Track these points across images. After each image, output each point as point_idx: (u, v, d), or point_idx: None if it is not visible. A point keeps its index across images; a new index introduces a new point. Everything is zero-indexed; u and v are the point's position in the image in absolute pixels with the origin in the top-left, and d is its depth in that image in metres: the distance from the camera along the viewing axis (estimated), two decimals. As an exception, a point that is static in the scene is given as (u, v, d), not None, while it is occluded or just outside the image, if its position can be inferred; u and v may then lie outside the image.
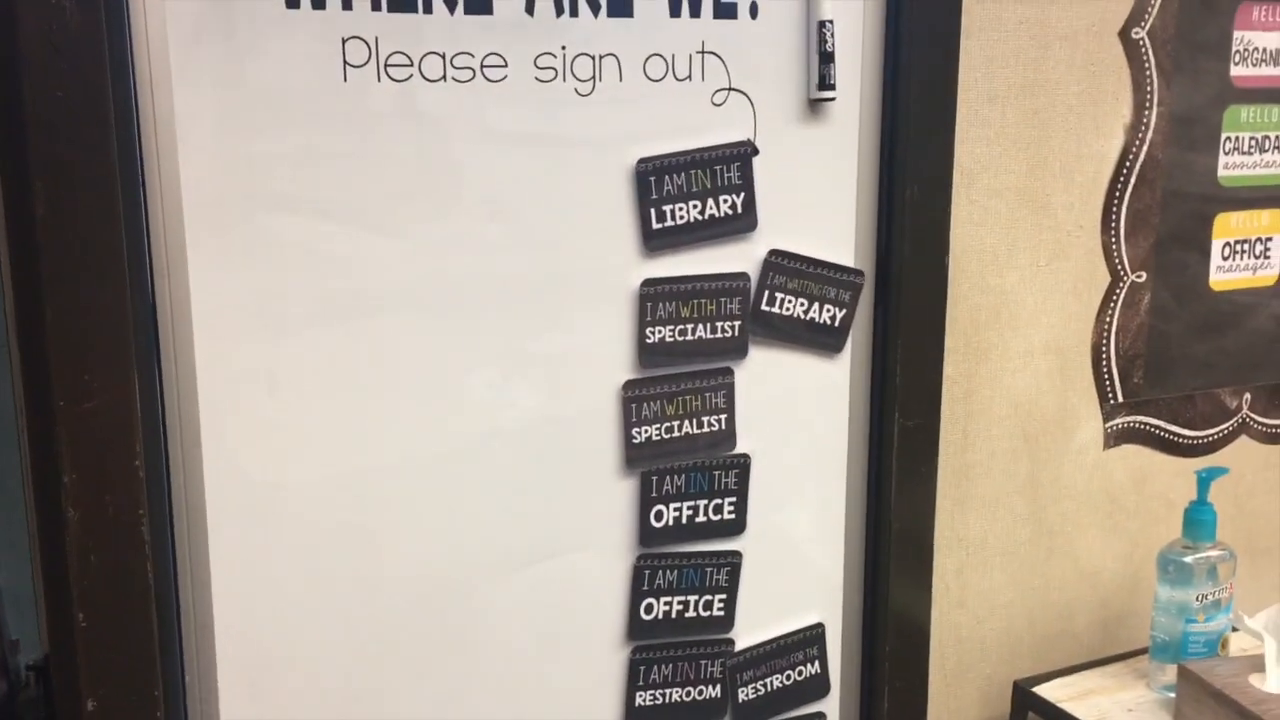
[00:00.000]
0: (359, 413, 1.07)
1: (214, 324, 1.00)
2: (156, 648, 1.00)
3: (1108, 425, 1.46)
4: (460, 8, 1.03)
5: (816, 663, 1.33)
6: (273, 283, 1.02)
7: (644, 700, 1.24)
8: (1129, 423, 1.48)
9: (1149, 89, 1.38)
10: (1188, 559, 1.32)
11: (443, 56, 1.03)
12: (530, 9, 1.06)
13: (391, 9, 1.01)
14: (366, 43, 1.01)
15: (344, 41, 1.00)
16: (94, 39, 0.90)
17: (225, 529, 1.03)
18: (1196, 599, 1.32)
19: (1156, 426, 1.50)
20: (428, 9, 1.02)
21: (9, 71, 0.89)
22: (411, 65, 1.02)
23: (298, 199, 1.01)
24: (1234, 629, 1.36)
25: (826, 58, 1.16)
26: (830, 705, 1.35)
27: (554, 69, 1.08)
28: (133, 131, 0.94)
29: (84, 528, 0.96)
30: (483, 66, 1.05)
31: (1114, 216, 1.40)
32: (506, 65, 1.06)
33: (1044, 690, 1.36)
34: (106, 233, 0.93)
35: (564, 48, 1.08)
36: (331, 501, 1.07)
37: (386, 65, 1.02)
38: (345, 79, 1.01)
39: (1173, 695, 1.30)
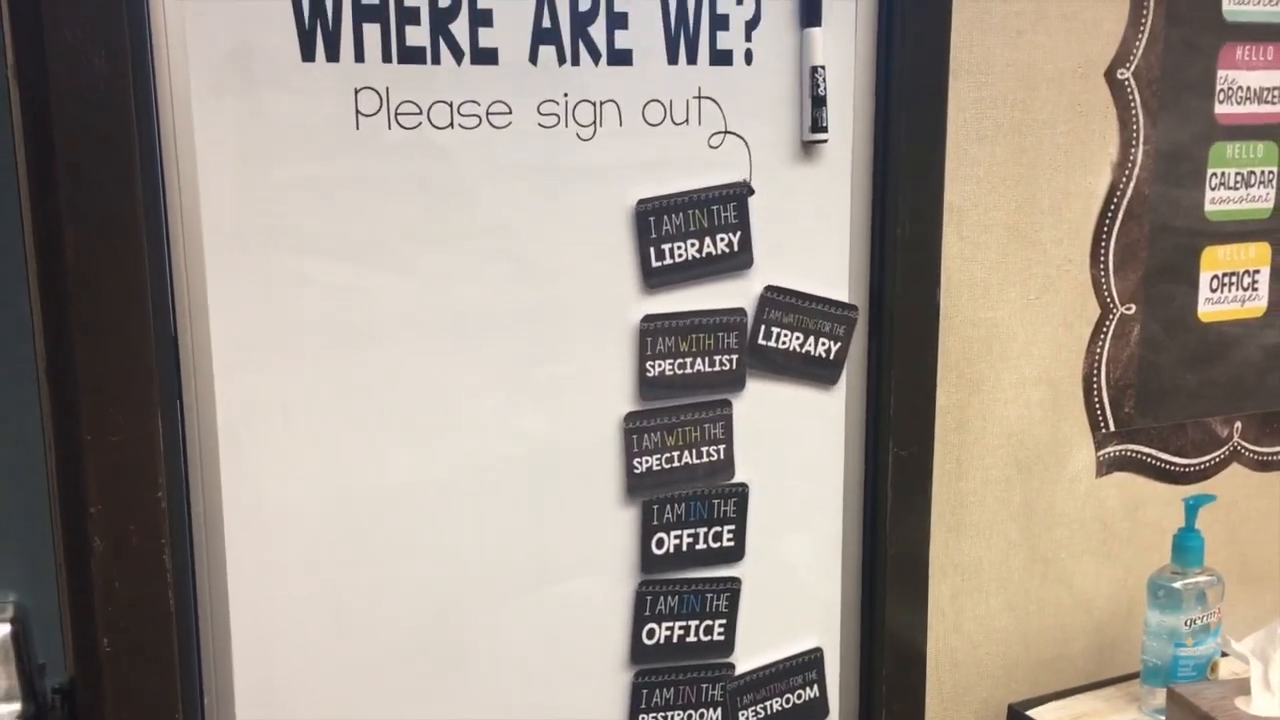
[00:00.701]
0: (371, 443, 1.11)
1: (232, 358, 1.05)
2: (177, 671, 1.04)
3: (1100, 454, 1.50)
4: (467, 58, 1.08)
5: (816, 686, 1.36)
6: (287, 319, 1.06)
7: (647, 723, 1.28)
8: (1121, 451, 1.51)
9: (1135, 127, 1.43)
10: (1177, 584, 1.36)
11: (450, 105, 1.08)
12: (534, 58, 1.11)
13: (402, 60, 1.06)
14: (378, 92, 1.06)
15: (356, 91, 1.05)
16: (121, 93, 0.95)
17: (243, 557, 1.08)
18: (1185, 623, 1.35)
19: (1148, 455, 1.53)
20: (436, 60, 1.07)
21: (42, 122, 0.95)
22: (421, 113, 1.08)
23: (312, 241, 1.06)
24: (1224, 654, 1.40)
25: (819, 101, 1.21)
26: (829, 728, 1.38)
27: (557, 115, 1.13)
28: (157, 179, 1.00)
29: (109, 556, 1.00)
30: (489, 113, 1.10)
31: (1103, 251, 1.44)
32: (511, 112, 1.11)
33: (1038, 713, 1.40)
34: (132, 273, 0.98)
35: (566, 95, 1.13)
36: (344, 530, 1.11)
37: (397, 113, 1.07)
38: (358, 126, 1.06)
39: (1164, 718, 1.33)
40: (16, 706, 1.08)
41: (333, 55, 1.04)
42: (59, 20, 0.93)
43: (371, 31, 1.04)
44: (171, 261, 1.02)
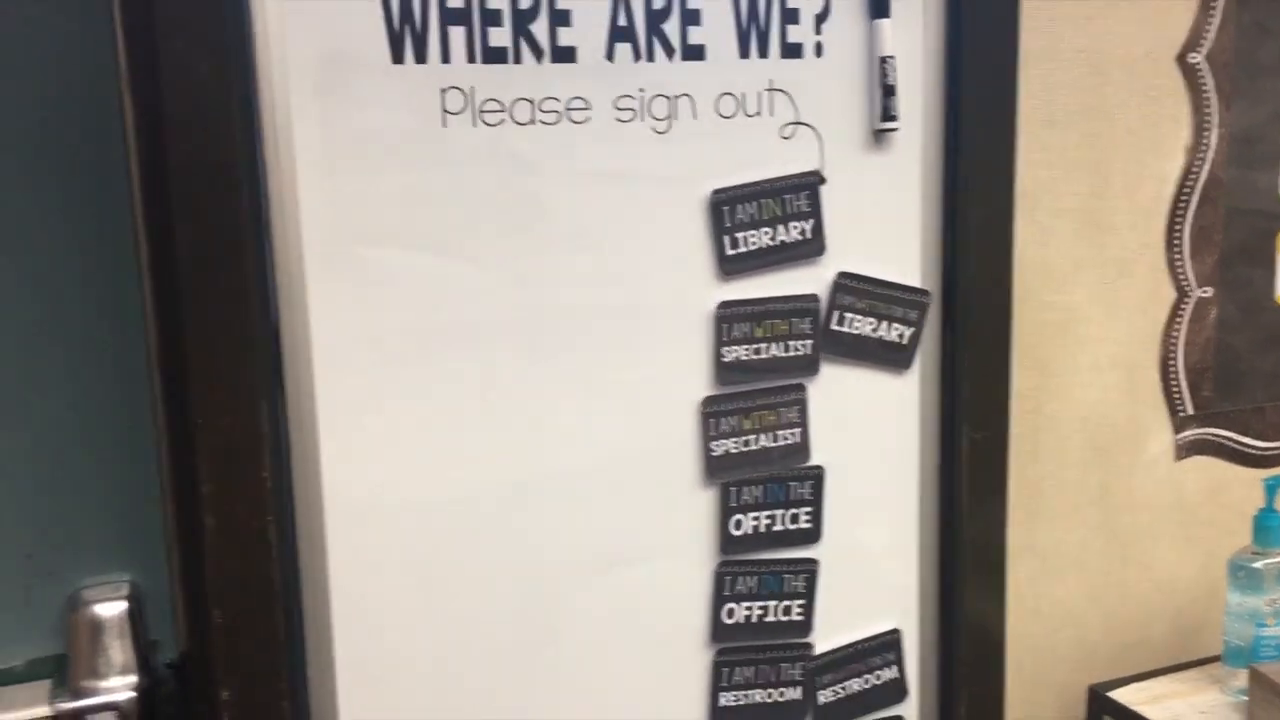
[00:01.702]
0: (461, 430, 1.16)
1: (330, 350, 1.10)
2: (283, 642, 1.09)
3: (1178, 437, 1.50)
4: (547, 57, 1.13)
5: (894, 667, 1.38)
6: (382, 313, 1.11)
7: (728, 701, 1.31)
8: (1200, 435, 1.51)
9: (1208, 111, 1.43)
10: (1257, 564, 1.36)
11: (531, 101, 1.13)
12: (610, 55, 1.15)
13: (485, 60, 1.11)
14: (463, 91, 1.11)
15: (443, 91, 1.10)
16: (226, 97, 1.01)
17: (342, 536, 1.13)
18: (1267, 603, 1.35)
19: (1228, 438, 1.53)
20: (518, 59, 1.12)
21: (153, 127, 1.01)
22: (503, 110, 1.12)
23: (403, 237, 1.11)
24: (1309, 635, 1.39)
25: (889, 91, 1.24)
26: (909, 709, 1.40)
27: (633, 109, 1.17)
28: (259, 178, 1.05)
29: (219, 534, 1.06)
30: (568, 109, 1.14)
31: (1177, 234, 1.45)
32: (589, 107, 1.15)
33: (1119, 695, 1.40)
34: (238, 268, 1.04)
35: (642, 90, 1.17)
36: (436, 513, 1.16)
37: (481, 111, 1.12)
38: (444, 125, 1.11)
39: (1246, 699, 1.33)
40: (133, 679, 1.14)
41: (421, 57, 1.09)
42: (170, 31, 0.99)
43: (457, 33, 1.09)
44: (274, 255, 1.07)
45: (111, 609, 1.15)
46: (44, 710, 1.10)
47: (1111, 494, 1.47)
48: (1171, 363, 1.47)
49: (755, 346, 1.25)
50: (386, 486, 1.14)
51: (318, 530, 1.12)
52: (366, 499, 1.13)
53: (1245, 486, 1.53)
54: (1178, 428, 1.49)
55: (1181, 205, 1.44)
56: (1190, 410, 1.49)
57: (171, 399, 1.08)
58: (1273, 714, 1.26)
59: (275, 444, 1.09)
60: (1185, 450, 1.50)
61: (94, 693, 1.12)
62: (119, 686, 1.14)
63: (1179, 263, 1.45)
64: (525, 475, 1.19)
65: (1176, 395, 1.48)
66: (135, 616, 1.16)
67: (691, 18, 1.17)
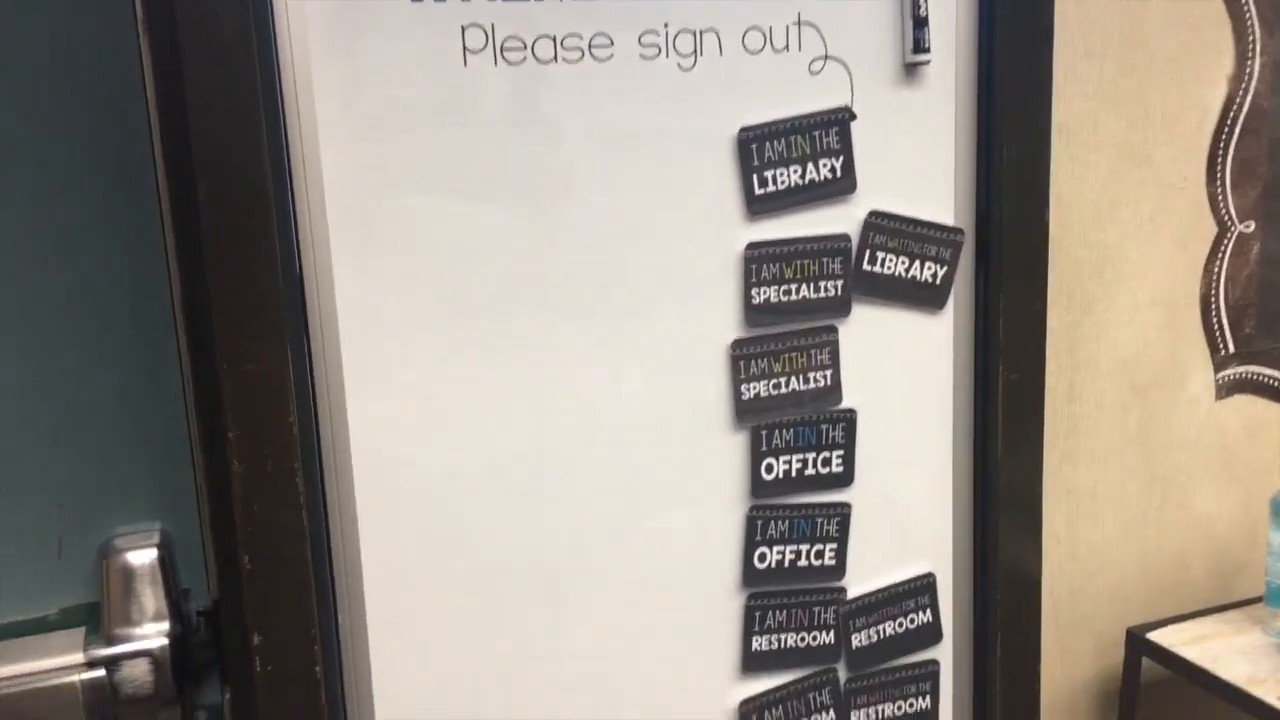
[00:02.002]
0: (488, 376, 1.15)
1: (355, 298, 1.09)
2: (313, 588, 1.09)
3: (1219, 376, 1.47)
4: (569, -8, 1.11)
5: (928, 611, 1.37)
6: (404, 259, 1.10)
7: (760, 645, 1.30)
8: (1241, 373, 1.48)
9: (1251, 39, 1.39)
10: (1300, 504, 1.33)
11: (554, 39, 1.11)
12: (634, -10, 1.12)
13: (506, -3, 1.09)
14: (484, 29, 1.08)
15: (463, 29, 1.08)
16: (245, 45, 1.00)
17: (369, 483, 1.12)
18: (1311, 543, 1.32)
19: (1270, 377, 1.50)
20: (539, -5, 1.10)
21: (174, 77, 0.99)
22: (525, 49, 1.10)
23: (425, 178, 1.09)
24: (1353, 575, 1.37)
25: (920, 22, 1.21)
26: (943, 652, 1.39)
27: (657, 46, 1.14)
28: (279, 125, 1.04)
29: (247, 480, 1.06)
30: (591, 46, 1.12)
31: (1219, 167, 1.41)
32: (613, 44, 1.13)
33: (1158, 635, 1.38)
34: (259, 215, 1.03)
35: (666, 25, 1.14)
36: (464, 457, 1.15)
37: (503, 49, 1.09)
38: (465, 64, 1.09)
39: (1288, 639, 1.32)
40: (165, 626, 1.15)
41: (440, -6, 1.07)
42: (184, -30, 0.97)
43: (476, -31, 1.07)
44: (295, 201, 1.06)
45: (143, 557, 1.15)
46: (78, 657, 1.11)
47: (1150, 434, 1.45)
48: (1212, 300, 1.44)
49: (785, 287, 1.23)
50: (414, 433, 1.13)
51: (345, 475, 1.12)
52: (394, 445, 1.13)
53: (1288, 426, 1.51)
54: (1218, 366, 1.46)
55: (1223, 137, 1.39)
56: (1231, 348, 1.46)
57: (197, 347, 1.07)
58: (1316, 654, 1.24)
59: (302, 391, 1.08)
60: (1226, 389, 1.47)
61: (127, 640, 1.13)
62: (152, 634, 1.15)
63: (1220, 196, 1.41)
64: (554, 422, 1.18)
65: (1217, 333, 1.45)
66: (166, 564, 1.16)
67: (717, -51, 1.14)
